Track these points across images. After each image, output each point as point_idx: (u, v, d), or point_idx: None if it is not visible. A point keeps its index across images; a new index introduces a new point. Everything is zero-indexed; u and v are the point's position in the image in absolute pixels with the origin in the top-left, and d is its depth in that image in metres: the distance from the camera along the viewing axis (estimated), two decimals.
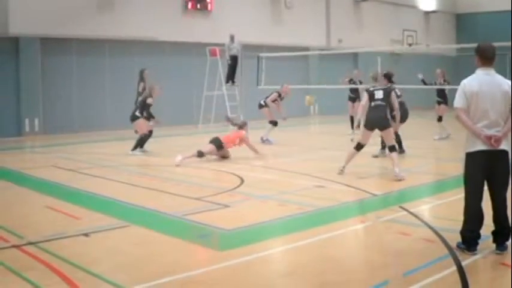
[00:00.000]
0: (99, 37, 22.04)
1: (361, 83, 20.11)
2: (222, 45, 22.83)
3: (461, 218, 6.20)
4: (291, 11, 28.74)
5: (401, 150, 13.71)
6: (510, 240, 6.14)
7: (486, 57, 6.12)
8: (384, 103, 11.27)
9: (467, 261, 5.85)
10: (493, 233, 6.16)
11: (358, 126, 13.34)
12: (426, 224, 7.40)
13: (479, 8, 37.63)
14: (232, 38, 22.57)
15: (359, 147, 11.30)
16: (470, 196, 6.11)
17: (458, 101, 6.10)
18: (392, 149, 11.18)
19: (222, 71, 23.03)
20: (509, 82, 6.13)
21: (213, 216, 8.05)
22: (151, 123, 15.28)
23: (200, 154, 13.44)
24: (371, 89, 11.49)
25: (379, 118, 11.18)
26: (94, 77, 22.20)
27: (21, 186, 10.87)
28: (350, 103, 20.04)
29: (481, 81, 6.04)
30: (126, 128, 20.82)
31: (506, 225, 6.10)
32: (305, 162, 13.63)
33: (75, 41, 21.56)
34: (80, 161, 13.95)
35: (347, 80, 20.20)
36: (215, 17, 25.36)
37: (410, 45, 34.79)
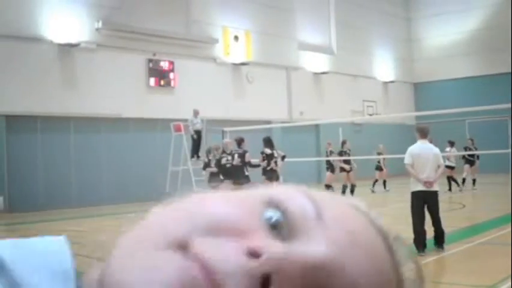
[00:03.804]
0: (63, 114, 22.10)
1: (332, 153, 21.05)
2: (186, 120, 23.04)
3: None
4: (253, 85, 29.31)
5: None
6: None
7: (422, 134, 9.68)
8: None
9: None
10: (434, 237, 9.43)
11: None
12: None
13: (434, 76, 38.90)
14: (195, 113, 22.70)
15: None
16: (414, 217, 9.37)
17: (407, 159, 9.52)
18: None
19: (187, 146, 23.07)
20: (437, 148, 9.78)
21: None
22: None
23: None
24: None
25: None
26: (59, 154, 22.15)
27: None
28: (328, 173, 21.21)
29: (420, 147, 9.59)
30: (92, 205, 20.83)
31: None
32: None
33: (40, 119, 21.62)
34: None
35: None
36: (179, 93, 25.68)
37: (370, 115, 35.60)
